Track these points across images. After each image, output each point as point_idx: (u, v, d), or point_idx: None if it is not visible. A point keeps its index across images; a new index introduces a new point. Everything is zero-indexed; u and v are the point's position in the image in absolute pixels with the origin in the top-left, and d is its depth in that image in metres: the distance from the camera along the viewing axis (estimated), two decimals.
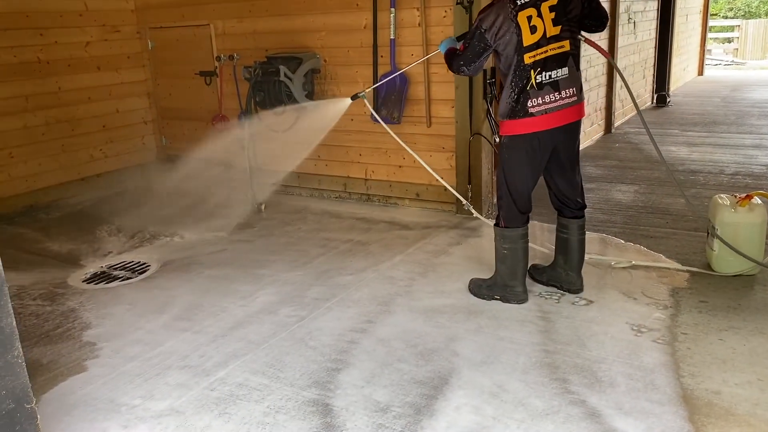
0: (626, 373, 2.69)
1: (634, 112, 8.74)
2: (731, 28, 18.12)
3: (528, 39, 3.03)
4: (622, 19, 7.43)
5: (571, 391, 2.60)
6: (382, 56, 4.88)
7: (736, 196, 3.62)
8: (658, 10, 9.07)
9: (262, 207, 5.26)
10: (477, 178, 4.75)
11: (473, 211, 4.02)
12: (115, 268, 4.20)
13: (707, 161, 6.08)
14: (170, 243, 4.60)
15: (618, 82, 7.58)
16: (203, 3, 5.67)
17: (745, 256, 3.48)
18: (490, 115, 4.66)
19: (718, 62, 15.25)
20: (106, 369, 2.95)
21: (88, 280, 4.03)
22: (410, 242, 4.36)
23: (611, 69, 7.31)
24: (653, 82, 9.46)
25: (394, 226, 4.72)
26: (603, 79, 7.23)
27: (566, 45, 3.10)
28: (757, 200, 3.57)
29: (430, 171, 4.18)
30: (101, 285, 3.95)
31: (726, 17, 21.11)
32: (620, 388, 2.60)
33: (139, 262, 4.29)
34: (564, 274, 3.48)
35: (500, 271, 3.41)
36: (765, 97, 9.72)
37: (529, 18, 3.01)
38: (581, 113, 3.28)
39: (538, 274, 3.62)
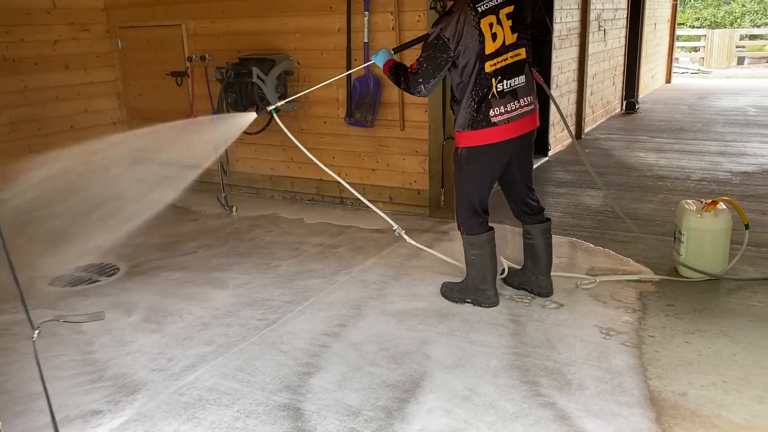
0: (595, 376, 2.73)
1: (605, 117, 8.89)
2: (697, 38, 18.53)
3: (490, 47, 2.98)
4: (593, 26, 7.55)
5: (542, 393, 2.62)
6: (356, 59, 4.88)
7: (702, 202, 3.69)
8: (627, 18, 9.23)
9: (234, 209, 5.21)
10: (450, 181, 4.77)
11: (405, 236, 3.62)
12: (83, 271, 4.13)
13: (674, 167, 6.20)
14: (139, 246, 4.52)
15: (588, 89, 7.69)
16: (175, 3, 5.61)
17: (698, 270, 3.58)
18: None
19: (685, 70, 15.57)
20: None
21: (54, 284, 3.94)
22: (383, 245, 4.36)
23: (582, 75, 7.41)
24: (623, 88, 9.62)
25: (366, 229, 4.72)
26: (573, 86, 7.33)
27: (522, 53, 3.09)
28: (722, 206, 3.65)
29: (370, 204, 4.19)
30: (67, 288, 3.87)
31: (693, 27, 21.58)
32: (589, 390, 2.63)
33: (108, 264, 4.21)
34: (534, 277, 3.50)
35: (470, 275, 3.41)
36: (730, 105, 9.95)
37: (491, 25, 2.97)
38: (537, 122, 3.27)
39: (510, 278, 3.65)
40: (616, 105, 9.48)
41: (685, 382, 2.67)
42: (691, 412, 2.48)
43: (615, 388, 2.63)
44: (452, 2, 3.07)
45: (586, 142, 7.54)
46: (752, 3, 22.59)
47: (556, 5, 6.32)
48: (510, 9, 3.01)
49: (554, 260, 3.96)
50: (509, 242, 4.34)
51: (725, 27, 20.54)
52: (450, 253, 4.20)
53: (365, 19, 4.74)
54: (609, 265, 3.90)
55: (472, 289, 3.41)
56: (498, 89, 3.04)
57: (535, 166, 6.23)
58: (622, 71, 9.44)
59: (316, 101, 5.19)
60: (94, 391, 2.74)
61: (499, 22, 2.98)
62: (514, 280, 3.61)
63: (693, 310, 3.29)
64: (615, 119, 9.06)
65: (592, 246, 4.24)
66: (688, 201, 3.77)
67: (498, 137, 3.10)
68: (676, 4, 12.94)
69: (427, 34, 3.11)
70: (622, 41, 9.24)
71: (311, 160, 5.30)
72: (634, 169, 6.20)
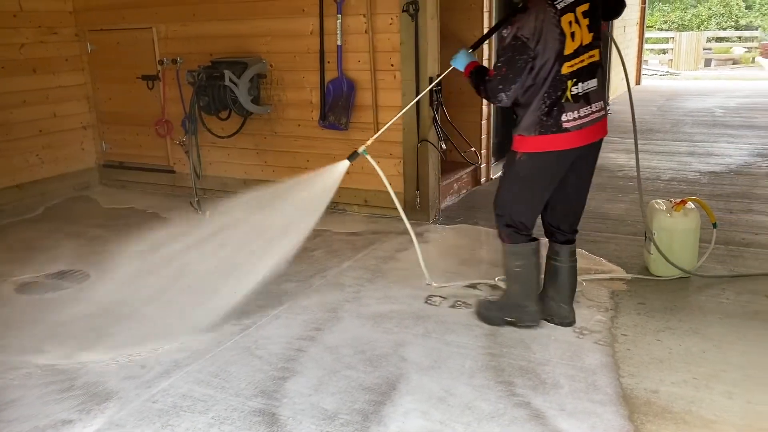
0: (569, 375, 2.76)
1: None
2: (666, 40, 18.87)
3: (569, 47, 2.74)
4: None
5: (517, 393, 2.64)
6: (329, 62, 4.88)
7: (671, 201, 3.76)
8: None
9: (207, 214, 5.16)
10: (425, 184, 4.79)
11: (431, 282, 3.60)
12: (52, 277, 4.05)
13: (645, 167, 6.29)
14: (108, 252, 4.45)
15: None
16: (145, 6, 5.54)
17: (675, 265, 3.63)
18: (437, 122, 4.73)
19: (654, 72, 15.84)
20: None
21: (21, 290, 3.87)
22: (358, 248, 4.35)
23: None
24: None
25: (342, 232, 4.71)
26: None
27: (596, 54, 2.87)
28: (691, 205, 3.72)
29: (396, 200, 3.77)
30: (35, 295, 3.79)
31: (661, 29, 21.97)
32: (564, 389, 2.66)
33: (78, 271, 4.14)
34: (556, 306, 3.19)
35: (512, 290, 3.13)
36: (698, 106, 10.15)
37: (569, 23, 2.73)
38: (606, 129, 3.04)
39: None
40: None
41: (656, 380, 2.71)
42: (662, 409, 2.51)
43: (589, 387, 2.66)
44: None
45: None
46: (718, 6, 23.10)
47: None
48: (586, 7, 2.78)
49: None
50: (483, 244, 4.38)
51: (692, 30, 20.94)
52: (425, 255, 4.20)
53: (338, 21, 4.74)
54: (582, 265, 3.93)
55: (513, 307, 3.13)
56: (572, 92, 2.80)
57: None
58: None
59: (289, 104, 5.17)
60: (64, 401, 2.69)
61: (577, 21, 2.75)
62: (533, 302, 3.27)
63: (664, 308, 3.34)
64: None
65: None
66: (658, 201, 3.83)
67: (567, 144, 2.85)
68: (645, 7, 13.16)
69: (497, 25, 2.91)
70: None
71: (285, 163, 5.32)
72: (605, 170, 6.28)
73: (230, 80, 4.84)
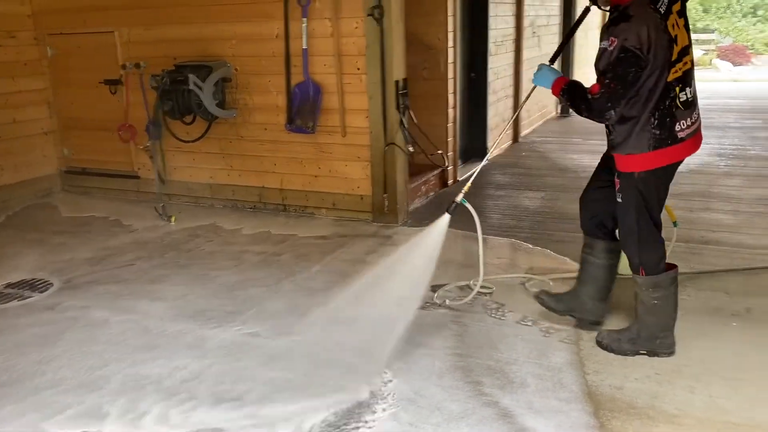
0: (536, 373, 2.80)
1: (540, 121, 9.13)
2: None
3: (674, 52, 2.57)
4: (527, 33, 7.75)
5: (485, 393, 2.67)
6: (295, 65, 4.87)
7: None
8: (560, 24, 9.52)
9: (172, 219, 5.10)
10: (392, 187, 4.81)
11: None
12: (13, 287, 3.96)
13: None
14: (73, 260, 4.37)
15: (524, 94, 7.88)
16: (107, 9, 5.45)
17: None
18: (404, 126, 4.76)
19: None
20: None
21: None
22: (327, 252, 4.35)
23: (517, 80, 7.59)
24: None
25: (310, 236, 4.70)
26: (510, 91, 7.50)
27: (692, 55, 2.70)
28: None
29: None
30: None
31: None
32: (531, 387, 2.70)
33: (40, 279, 4.06)
34: (590, 303, 3.10)
35: (648, 323, 2.89)
36: None
37: (673, 26, 2.56)
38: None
39: (554, 302, 3.22)
40: (551, 109, 9.74)
41: (620, 376, 2.76)
42: (627, 405, 2.57)
43: (555, 385, 2.71)
44: (617, 3, 2.62)
45: (522, 145, 7.73)
46: None
47: (491, 12, 6.47)
48: (679, 6, 2.61)
49: (495, 260, 4.05)
50: (452, 245, 4.40)
51: None
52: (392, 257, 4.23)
53: (303, 25, 4.73)
54: (547, 265, 4.01)
55: (646, 339, 2.90)
56: (681, 99, 2.63)
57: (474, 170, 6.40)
58: None
59: (255, 108, 5.14)
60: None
61: (676, 22, 2.58)
62: (561, 305, 3.19)
63: (627, 305, 3.40)
64: (551, 123, 9.32)
65: (531, 246, 4.34)
66: None
67: (683, 154, 2.72)
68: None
69: (572, 30, 2.84)
70: (556, 47, 9.50)
71: (252, 167, 5.29)
72: (569, 171, 6.39)
73: (195, 84, 4.79)
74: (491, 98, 6.74)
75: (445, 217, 3.02)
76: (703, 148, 2.96)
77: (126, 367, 2.96)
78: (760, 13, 21.30)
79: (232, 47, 5.08)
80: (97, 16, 5.51)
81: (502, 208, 5.29)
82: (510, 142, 7.67)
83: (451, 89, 5.84)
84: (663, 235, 3.60)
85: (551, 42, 9.21)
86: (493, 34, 6.59)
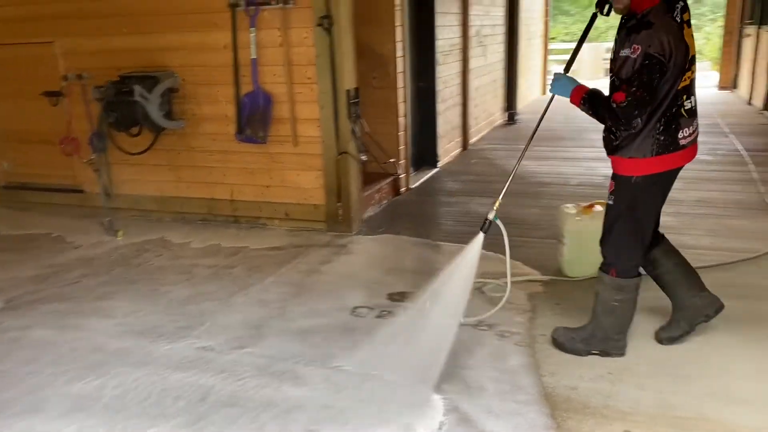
0: (493, 377, 2.83)
1: (488, 129, 9.28)
2: (568, 51, 19.76)
3: (687, 60, 2.64)
4: (473, 42, 7.88)
5: (444, 398, 2.69)
6: (244, 75, 4.82)
7: (580, 205, 3.94)
8: (505, 34, 9.72)
9: (119, 234, 4.97)
10: (346, 196, 4.80)
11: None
12: None
13: (555, 173, 6.57)
14: (15, 279, 4.20)
15: (472, 102, 8.00)
16: (45, 19, 5.28)
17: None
18: (356, 134, 4.77)
19: None
20: None
21: None
22: (281, 263, 4.31)
23: (465, 88, 7.71)
24: (503, 100, 10.10)
25: (263, 248, 4.65)
26: (458, 99, 7.60)
27: (695, 66, 2.74)
28: (598, 208, 3.91)
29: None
30: None
31: (564, 41, 23.04)
32: (489, 391, 2.73)
33: None
34: (699, 299, 3.03)
35: (603, 323, 2.95)
36: None
37: (688, 36, 2.62)
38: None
39: (678, 330, 3.07)
40: (498, 116, 9.92)
41: (575, 377, 2.83)
42: (581, 405, 2.63)
43: (513, 388, 2.75)
44: (634, 11, 2.66)
45: (472, 152, 7.84)
46: (614, 19, 24.42)
47: (438, 22, 6.55)
48: (688, 15, 2.65)
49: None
50: (407, 253, 4.44)
51: (592, 41, 22.06)
52: (348, 267, 4.22)
53: (251, 35, 4.70)
54: (500, 269, 4.05)
55: (600, 339, 2.97)
56: (686, 107, 2.69)
57: (424, 178, 6.48)
58: (502, 84, 9.91)
59: (204, 118, 5.07)
60: None
61: (687, 31, 2.64)
62: (684, 324, 3.06)
63: (578, 308, 3.49)
64: (498, 130, 9.49)
65: (483, 251, 4.37)
66: (568, 205, 4.01)
67: (683, 161, 2.78)
68: (548, 20, 13.78)
69: (583, 38, 2.85)
70: (501, 56, 9.71)
71: (201, 178, 5.20)
72: (517, 177, 6.42)
73: (141, 95, 4.69)
74: (440, 107, 6.82)
75: (480, 237, 2.98)
76: None
77: (73, 387, 2.86)
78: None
79: (179, 57, 4.99)
80: (35, 26, 5.34)
81: (455, 215, 5.35)
82: (460, 149, 7.77)
83: (401, 98, 5.89)
84: None
85: (497, 51, 9.40)
86: (440, 44, 6.67)
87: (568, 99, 2.82)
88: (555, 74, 2.89)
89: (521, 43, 10.47)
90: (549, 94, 3.03)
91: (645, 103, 2.55)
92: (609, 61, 2.82)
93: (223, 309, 3.64)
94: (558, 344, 3.06)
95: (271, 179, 5.02)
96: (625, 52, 2.60)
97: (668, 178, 2.81)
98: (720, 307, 3.04)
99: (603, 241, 2.96)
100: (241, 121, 4.88)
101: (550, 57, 14.73)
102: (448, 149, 7.28)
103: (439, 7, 6.56)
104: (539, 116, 3.17)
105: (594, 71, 17.93)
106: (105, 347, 3.23)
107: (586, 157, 7.34)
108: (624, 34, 2.67)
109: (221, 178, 5.15)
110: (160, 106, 4.87)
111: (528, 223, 5.01)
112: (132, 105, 4.73)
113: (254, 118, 4.86)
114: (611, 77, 2.76)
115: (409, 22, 6.00)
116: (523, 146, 3.25)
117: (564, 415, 2.56)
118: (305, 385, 2.82)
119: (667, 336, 3.06)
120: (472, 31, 7.75)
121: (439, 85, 6.76)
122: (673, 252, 3.06)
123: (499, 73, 9.67)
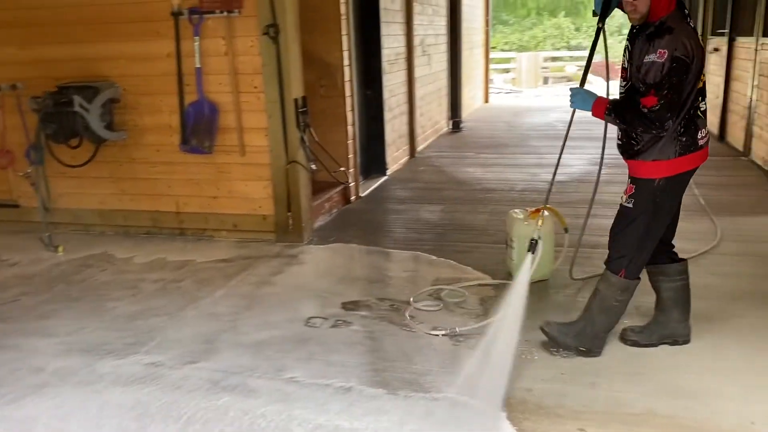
0: (450, 382, 2.85)
1: (434, 137, 9.39)
2: (508, 60, 20.26)
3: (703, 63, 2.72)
4: (418, 51, 7.97)
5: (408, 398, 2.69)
6: (188, 85, 4.73)
7: (527, 210, 4.03)
8: (448, 43, 9.87)
9: (59, 249, 4.78)
10: (296, 205, 4.76)
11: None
12: None
13: (500, 180, 6.70)
14: None
15: (418, 110, 8.08)
16: None
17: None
18: (305, 143, 4.74)
19: (500, 90, 16.91)
20: None
21: None
22: (231, 275, 4.23)
23: (411, 97, 7.78)
24: (448, 109, 10.24)
25: (211, 259, 4.56)
26: (405, 108, 7.66)
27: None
28: (544, 213, 4.00)
29: None
30: None
31: (503, 50, 23.58)
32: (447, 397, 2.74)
33: None
34: (681, 327, 3.10)
35: (597, 321, 3.00)
36: (541, 121, 10.97)
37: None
38: None
39: (646, 338, 3.12)
40: (443, 124, 10.05)
41: (530, 378, 2.87)
42: (536, 406, 2.67)
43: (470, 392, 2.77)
44: (650, 20, 2.70)
45: (419, 160, 7.91)
46: (551, 29, 25.27)
47: (383, 31, 6.60)
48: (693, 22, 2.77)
49: (402, 273, 4.11)
50: (358, 261, 4.43)
51: (531, 50, 22.67)
52: (300, 277, 4.19)
53: (195, 44, 4.62)
54: (451, 275, 4.11)
55: (591, 337, 3.02)
56: (701, 109, 2.77)
57: (374, 186, 6.50)
58: (446, 93, 10.05)
59: (147, 129, 4.94)
60: None
61: None
62: (653, 337, 3.11)
63: (529, 311, 3.52)
64: (443, 138, 9.61)
65: (434, 258, 4.44)
66: (516, 210, 4.10)
67: (701, 160, 2.83)
68: (488, 30, 14.08)
69: (592, 49, 2.86)
70: (445, 65, 9.85)
71: (145, 190, 5.06)
72: (465, 184, 6.61)
73: (80, 106, 4.54)
74: (387, 115, 6.86)
75: (529, 258, 2.98)
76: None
77: (12, 409, 2.73)
78: (624, 32, 23.15)
79: (119, 67, 4.85)
80: None
81: (404, 222, 5.38)
82: (407, 157, 7.82)
83: (349, 106, 5.89)
84: (556, 241, 3.76)
85: (441, 60, 9.53)
86: (386, 53, 6.72)
87: (590, 113, 2.84)
88: (571, 89, 2.91)
89: (464, 53, 10.66)
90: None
91: (676, 105, 2.62)
92: (621, 69, 2.89)
93: (173, 324, 3.54)
94: (550, 337, 3.09)
95: (218, 190, 4.93)
96: (650, 57, 2.63)
97: (687, 179, 2.85)
98: (687, 341, 3.13)
99: (614, 243, 2.98)
100: (185, 132, 4.78)
101: (492, 66, 15.06)
102: (396, 157, 7.33)
103: (384, 17, 6.61)
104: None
105: (534, 79, 18.38)
106: (47, 367, 3.09)
107: (529, 163, 7.51)
108: (643, 41, 2.71)
109: (166, 189, 5.03)
110: (101, 116, 4.72)
111: (477, 229, 5.09)
112: (71, 116, 4.58)
113: (199, 127, 4.77)
114: (625, 84, 2.84)
115: (355, 32, 6.02)
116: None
117: (520, 417, 2.60)
118: (259, 398, 2.77)
119: (634, 339, 3.13)
120: (416, 41, 7.84)
121: (386, 94, 6.80)
122: (686, 274, 3.11)
123: (443, 82, 9.80)
